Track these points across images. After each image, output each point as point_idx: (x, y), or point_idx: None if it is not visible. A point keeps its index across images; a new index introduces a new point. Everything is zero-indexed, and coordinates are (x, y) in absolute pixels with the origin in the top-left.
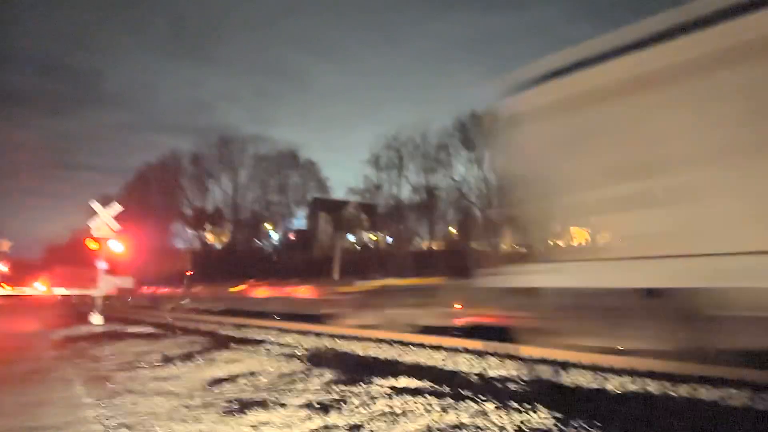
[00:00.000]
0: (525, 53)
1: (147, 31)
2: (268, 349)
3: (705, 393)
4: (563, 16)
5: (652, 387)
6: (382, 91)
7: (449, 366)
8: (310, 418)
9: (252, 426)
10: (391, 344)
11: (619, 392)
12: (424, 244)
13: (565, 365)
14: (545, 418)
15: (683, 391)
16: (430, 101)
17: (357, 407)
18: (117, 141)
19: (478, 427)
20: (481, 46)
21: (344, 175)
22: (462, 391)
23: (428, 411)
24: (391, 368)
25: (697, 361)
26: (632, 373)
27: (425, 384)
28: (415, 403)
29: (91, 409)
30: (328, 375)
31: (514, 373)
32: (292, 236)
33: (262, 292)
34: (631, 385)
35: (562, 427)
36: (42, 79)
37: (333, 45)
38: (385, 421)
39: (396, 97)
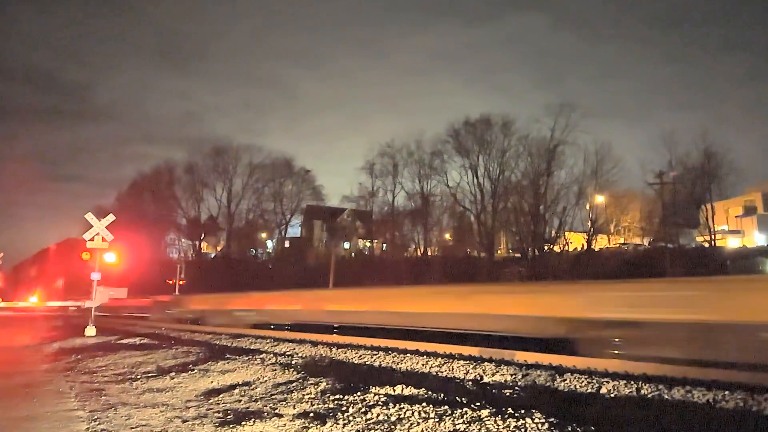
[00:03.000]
0: (506, 61)
1: (137, 45)
2: (263, 359)
3: (698, 396)
4: (543, 25)
5: (646, 390)
6: (371, 101)
7: (445, 373)
8: (306, 428)
9: None
10: (387, 352)
11: (613, 396)
12: (419, 250)
13: (560, 370)
14: (540, 423)
15: (677, 394)
16: (417, 110)
17: (353, 416)
18: (108, 153)
19: None
20: (465, 56)
21: (337, 183)
22: (458, 398)
23: (424, 419)
24: (388, 376)
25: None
26: (626, 377)
27: (421, 391)
28: (412, 410)
29: (84, 422)
30: (324, 384)
31: (509, 379)
32: (286, 244)
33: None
34: (625, 389)
35: None
36: (33, 92)
37: (321, 58)
38: (382, 430)
39: (384, 107)
